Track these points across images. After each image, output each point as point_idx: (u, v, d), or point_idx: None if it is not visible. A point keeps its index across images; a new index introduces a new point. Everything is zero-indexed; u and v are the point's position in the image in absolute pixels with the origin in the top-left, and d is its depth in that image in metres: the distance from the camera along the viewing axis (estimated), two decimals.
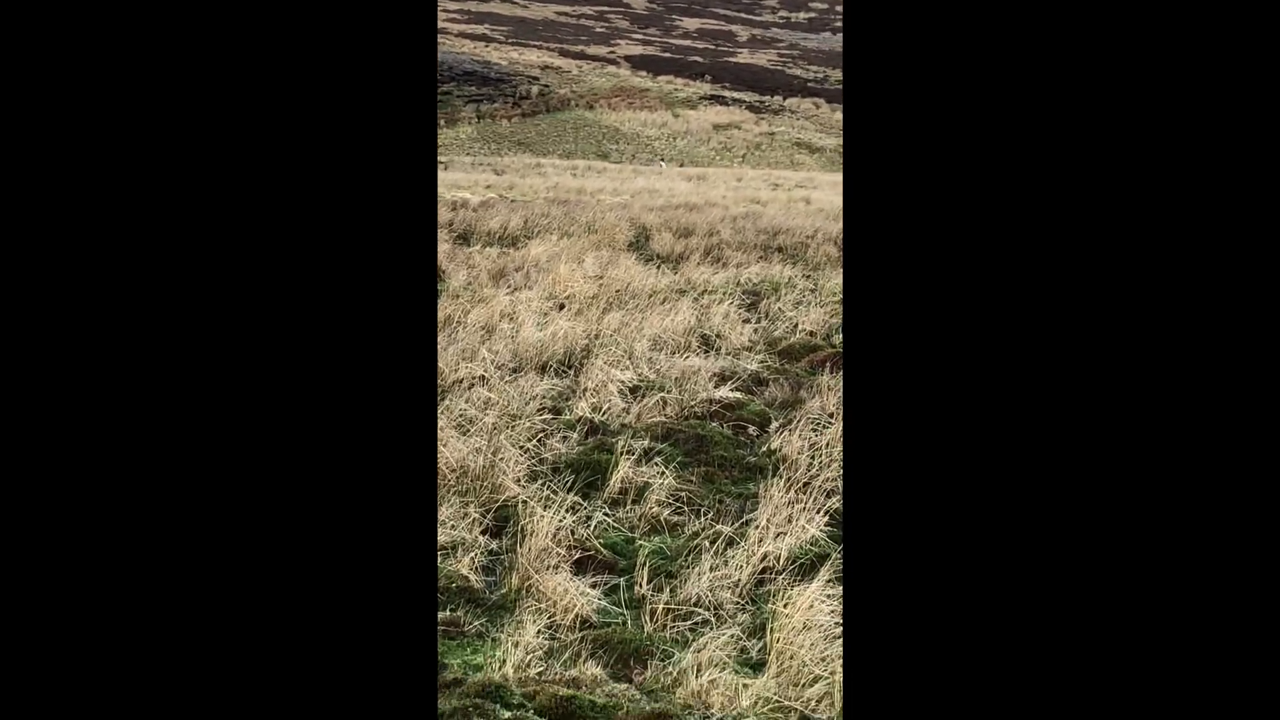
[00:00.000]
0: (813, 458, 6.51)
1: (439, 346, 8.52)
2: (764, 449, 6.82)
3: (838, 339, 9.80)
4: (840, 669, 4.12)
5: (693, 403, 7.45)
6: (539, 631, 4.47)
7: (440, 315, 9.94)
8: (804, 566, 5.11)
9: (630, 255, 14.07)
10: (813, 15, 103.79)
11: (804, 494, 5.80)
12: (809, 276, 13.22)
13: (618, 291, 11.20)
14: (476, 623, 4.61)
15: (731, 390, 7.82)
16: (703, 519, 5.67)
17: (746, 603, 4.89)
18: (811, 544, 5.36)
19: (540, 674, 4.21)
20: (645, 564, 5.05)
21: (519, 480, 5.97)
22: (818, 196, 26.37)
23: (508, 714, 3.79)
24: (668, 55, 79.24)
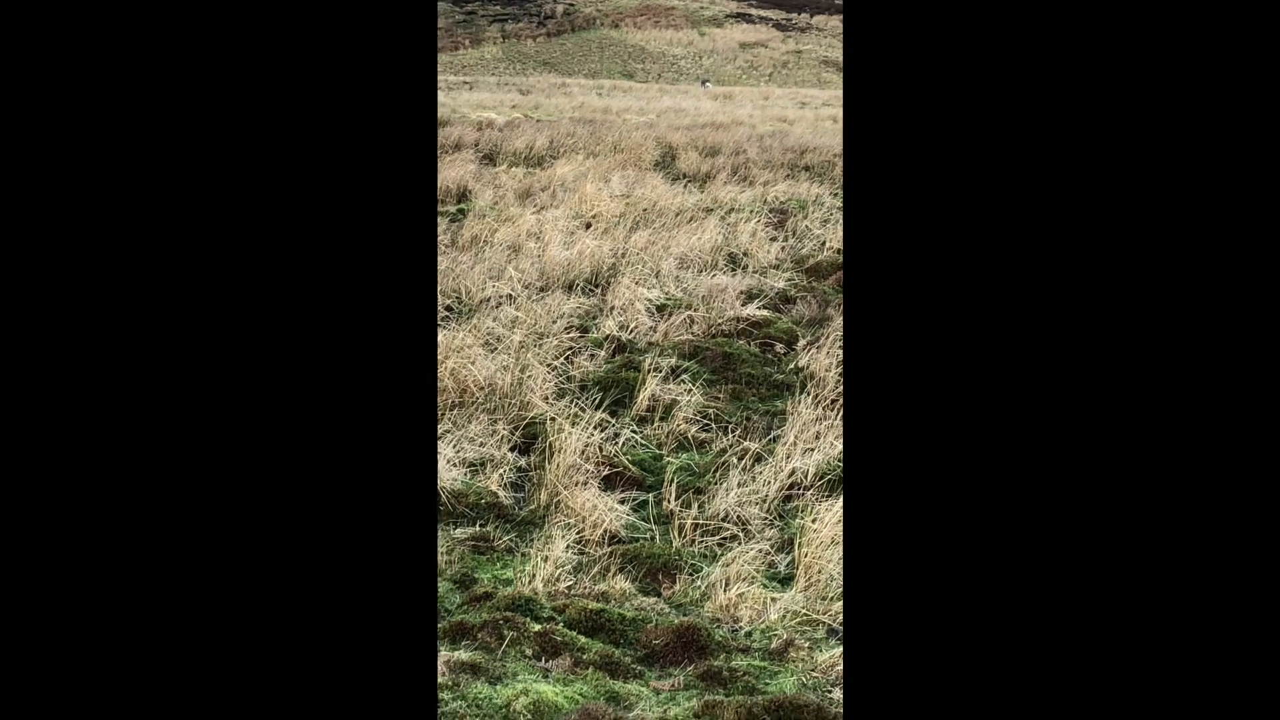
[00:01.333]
0: (840, 375, 6.49)
1: (466, 266, 8.51)
2: (791, 366, 6.81)
3: None
4: None
5: (720, 320, 7.43)
6: (568, 546, 4.49)
7: (467, 234, 9.92)
8: (832, 483, 5.11)
9: (656, 174, 13.99)
10: None
11: (831, 411, 5.79)
12: (836, 195, 13.11)
13: (644, 210, 11.14)
14: (506, 538, 4.64)
15: (759, 308, 7.80)
16: (730, 436, 5.68)
17: (774, 518, 4.90)
18: (839, 460, 5.36)
19: (570, 588, 4.24)
20: (673, 480, 5.07)
21: (547, 398, 5.99)
22: None
23: (538, 626, 3.82)
24: None
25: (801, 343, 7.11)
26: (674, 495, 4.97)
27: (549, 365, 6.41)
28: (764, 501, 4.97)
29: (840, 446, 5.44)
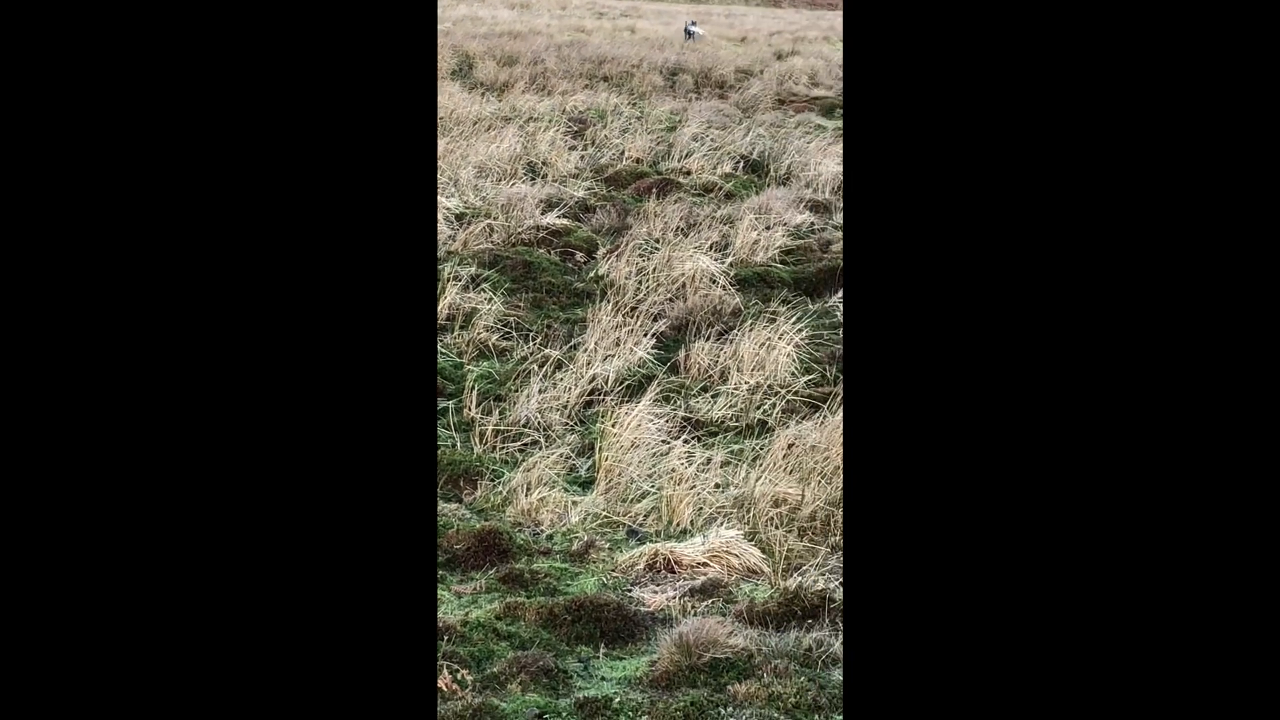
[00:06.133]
0: (640, 282, 6.55)
1: None
2: (591, 275, 6.83)
3: (664, 165, 9.79)
4: (667, 484, 4.21)
5: (520, 229, 7.39)
6: None
7: None
8: (631, 388, 5.17)
9: (453, 83, 13.75)
10: None
11: (632, 318, 5.84)
12: (635, 105, 13.11)
13: (441, 119, 10.95)
14: None
15: (559, 217, 7.77)
16: (531, 344, 5.67)
17: (575, 423, 4.94)
18: (639, 366, 5.42)
19: None
20: (474, 388, 5.05)
21: None
22: (643, 26, 26.01)
23: None
24: None
25: (601, 251, 7.13)
26: (474, 403, 4.95)
27: None
28: (565, 408, 5.00)
29: (640, 353, 5.50)
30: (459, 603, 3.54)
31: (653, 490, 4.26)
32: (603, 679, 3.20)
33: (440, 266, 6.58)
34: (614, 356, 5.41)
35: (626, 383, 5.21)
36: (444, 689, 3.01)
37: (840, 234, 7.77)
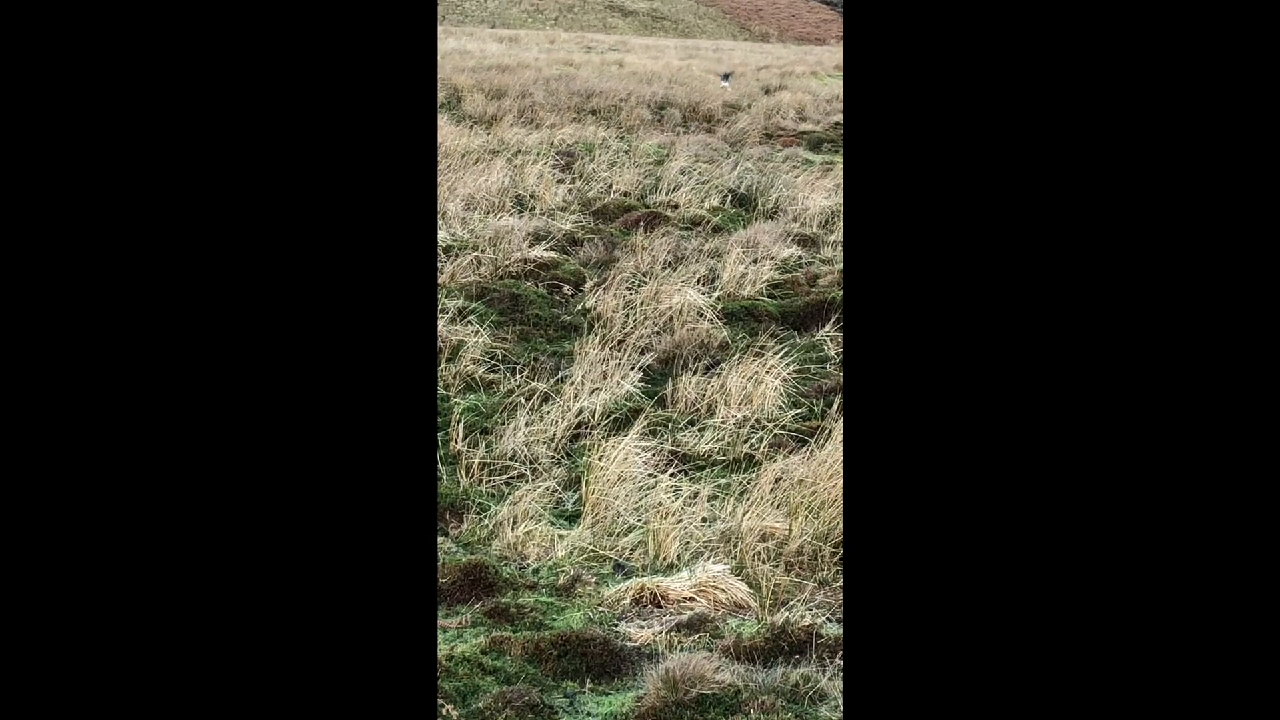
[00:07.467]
0: (627, 316, 6.55)
1: None
2: (579, 308, 6.83)
3: (651, 199, 9.81)
4: (654, 518, 4.20)
5: (507, 262, 7.39)
6: None
7: None
8: (618, 421, 5.16)
9: (442, 116, 13.78)
10: None
11: (619, 351, 5.83)
12: (623, 138, 13.15)
13: None
14: None
15: (546, 250, 7.77)
16: (518, 376, 5.66)
17: (562, 456, 4.92)
18: (626, 399, 5.41)
19: None
20: (460, 420, 5.03)
21: None
22: (631, 60, 26.12)
23: None
24: None
25: (589, 284, 7.13)
26: (461, 435, 4.93)
27: None
28: (551, 441, 4.98)
29: (627, 386, 5.49)
30: (445, 637, 3.52)
31: (639, 524, 4.24)
32: (589, 715, 3.18)
33: None
34: (601, 390, 5.40)
35: (613, 416, 5.20)
36: None
37: (828, 268, 7.78)
